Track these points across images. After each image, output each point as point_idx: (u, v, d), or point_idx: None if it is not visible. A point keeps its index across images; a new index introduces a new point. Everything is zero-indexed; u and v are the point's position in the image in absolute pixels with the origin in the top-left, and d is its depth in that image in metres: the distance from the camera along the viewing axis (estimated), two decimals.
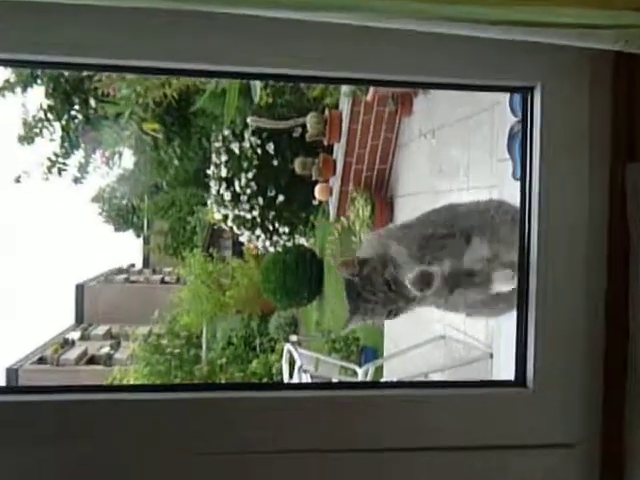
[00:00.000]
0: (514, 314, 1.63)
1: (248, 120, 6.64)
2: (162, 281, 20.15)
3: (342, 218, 5.99)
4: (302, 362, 4.05)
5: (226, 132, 7.44)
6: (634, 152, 1.46)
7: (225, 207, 7.83)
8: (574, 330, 1.48)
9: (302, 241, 8.53)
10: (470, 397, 1.44)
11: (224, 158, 7.55)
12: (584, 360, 1.46)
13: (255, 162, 7.38)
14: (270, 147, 7.28)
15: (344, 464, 1.34)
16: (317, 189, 6.32)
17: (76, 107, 7.51)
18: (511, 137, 2.01)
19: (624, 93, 1.48)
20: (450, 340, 3.93)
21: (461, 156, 3.96)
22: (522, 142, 1.59)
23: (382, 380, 4.45)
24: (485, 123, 3.45)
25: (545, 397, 1.45)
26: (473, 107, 3.73)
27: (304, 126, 6.16)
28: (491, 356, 3.27)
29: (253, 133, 7.24)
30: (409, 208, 5.28)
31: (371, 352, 6.27)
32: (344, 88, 4.88)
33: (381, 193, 5.82)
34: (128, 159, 10.76)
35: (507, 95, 2.19)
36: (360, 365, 4.37)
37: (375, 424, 1.34)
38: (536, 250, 1.50)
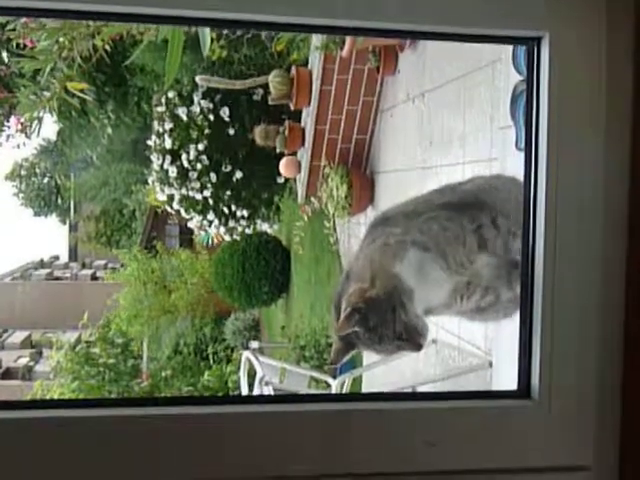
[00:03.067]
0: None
1: (197, 79, 6.59)
2: (93, 277, 20.03)
3: (312, 199, 5.98)
4: (264, 373, 4.04)
5: (171, 94, 7.38)
6: None
7: (170, 186, 7.77)
8: (587, 332, 1.50)
9: (264, 227, 8.50)
10: (465, 410, 1.45)
11: (168, 126, 7.49)
12: (599, 368, 1.49)
13: (206, 131, 7.34)
14: (225, 112, 7.23)
15: None
16: (282, 164, 6.30)
17: None
18: (514, 100, 2.02)
19: None
20: (443, 345, 3.96)
21: (455, 124, 3.97)
22: (527, 105, 1.60)
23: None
24: (484, 84, 3.46)
25: (553, 411, 1.47)
26: (470, 65, 3.75)
27: (266, 87, 6.13)
28: (491, 364, 3.31)
29: (204, 96, 7.18)
30: (393, 187, 5.29)
31: (348, 362, 6.29)
32: (315, 40, 4.86)
33: (359, 169, 5.82)
34: (50, 127, 10.63)
35: (510, 49, 2.20)
36: (334, 376, 4.38)
37: (350, 444, 1.35)
38: (543, 234, 1.51)
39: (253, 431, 1.31)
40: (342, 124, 5.68)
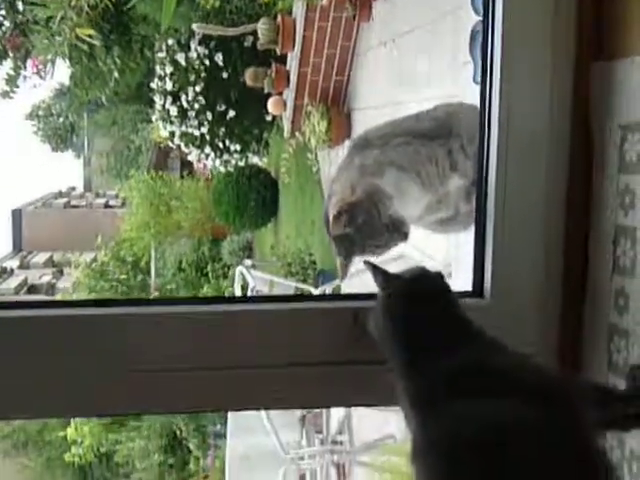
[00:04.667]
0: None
1: (194, 27, 6.45)
2: (106, 205, 19.90)
3: (297, 134, 5.93)
4: (255, 284, 4.08)
5: (170, 41, 7.23)
6: (600, 51, 1.46)
7: (171, 123, 7.68)
8: (533, 239, 1.51)
9: (255, 160, 8.45)
10: None
11: (169, 70, 7.36)
12: (543, 270, 1.50)
13: (203, 74, 7.22)
14: (219, 57, 7.11)
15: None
16: (270, 102, 6.23)
17: (1, 12, 7.21)
18: (473, 38, 2.00)
19: None
20: (409, 260, 3.98)
21: (422, 65, 3.93)
22: (483, 41, 1.58)
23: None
24: (448, 28, 3.42)
25: (502, 308, 1.49)
26: (436, 11, 3.69)
27: (255, 34, 6.01)
28: (450, 275, 3.34)
29: (200, 42, 7.05)
30: (368, 122, 5.25)
31: (329, 276, 6.33)
32: None
33: (338, 106, 5.77)
34: (64, 72, 10.43)
35: None
36: (316, 286, 4.42)
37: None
38: (495, 156, 1.51)
39: (235, 325, 1.34)
40: (322, 66, 5.60)
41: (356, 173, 1.66)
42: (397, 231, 1.66)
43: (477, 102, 1.75)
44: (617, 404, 1.28)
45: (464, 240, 2.03)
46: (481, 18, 1.85)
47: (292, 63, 5.76)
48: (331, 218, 1.62)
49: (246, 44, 6.87)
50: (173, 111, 7.52)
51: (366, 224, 1.62)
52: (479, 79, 1.79)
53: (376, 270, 1.20)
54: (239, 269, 4.63)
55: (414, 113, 1.79)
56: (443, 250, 3.25)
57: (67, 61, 8.22)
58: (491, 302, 1.51)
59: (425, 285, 1.18)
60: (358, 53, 5.49)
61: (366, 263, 1.21)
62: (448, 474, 0.96)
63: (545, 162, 1.52)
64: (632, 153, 1.38)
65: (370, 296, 1.37)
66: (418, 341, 1.11)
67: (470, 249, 1.62)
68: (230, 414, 4.35)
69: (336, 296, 1.39)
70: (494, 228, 1.52)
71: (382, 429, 4.03)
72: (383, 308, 1.17)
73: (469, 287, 1.56)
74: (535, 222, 1.52)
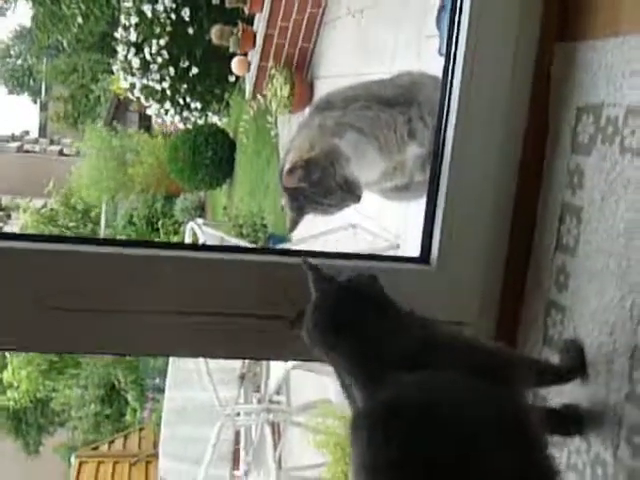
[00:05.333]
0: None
1: None
2: (60, 152, 19.42)
3: (259, 97, 5.87)
4: (205, 240, 4.05)
5: None
6: (565, 32, 1.47)
7: (133, 75, 7.53)
8: (482, 212, 1.52)
9: (215, 120, 8.35)
10: (369, 271, 1.46)
11: (134, 20, 7.19)
12: (489, 242, 1.52)
13: (168, 28, 7.08)
14: (185, 12, 6.97)
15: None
16: (234, 62, 6.15)
17: None
18: (440, 10, 1.99)
19: None
20: (361, 229, 3.99)
21: (388, 37, 3.90)
22: (450, 14, 1.57)
23: None
24: (416, 1, 3.41)
25: (446, 276, 1.51)
26: None
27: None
28: (398, 246, 3.37)
29: None
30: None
31: (279, 239, 6.33)
32: None
33: (302, 73, 5.72)
34: (25, 13, 10.11)
35: None
36: None
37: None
38: (453, 128, 1.52)
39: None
40: (289, 31, 5.54)
41: (316, 132, 1.65)
42: (350, 192, 1.66)
43: (440, 75, 1.75)
44: (551, 377, 1.31)
45: (415, 211, 2.03)
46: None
47: (259, 24, 5.67)
48: (286, 171, 1.61)
49: (214, 1, 6.75)
50: (135, 63, 7.36)
51: (320, 181, 1.62)
52: (444, 51, 1.79)
53: (313, 271, 1.22)
54: (190, 225, 4.58)
55: (377, 79, 1.78)
56: (394, 221, 3.26)
57: (30, 2, 7.94)
58: (436, 269, 1.52)
59: (355, 291, 1.18)
60: (326, 21, 5.44)
61: (305, 262, 1.22)
62: (384, 438, 0.99)
63: (501, 137, 1.53)
64: (585, 135, 1.40)
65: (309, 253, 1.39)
66: (350, 345, 1.13)
67: (420, 220, 1.63)
68: (171, 367, 4.34)
69: (272, 251, 1.41)
70: (446, 198, 1.53)
71: (319, 392, 4.07)
72: (312, 318, 1.18)
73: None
74: (486, 196, 1.53)
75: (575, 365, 1.32)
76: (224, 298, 1.42)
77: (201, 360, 3.71)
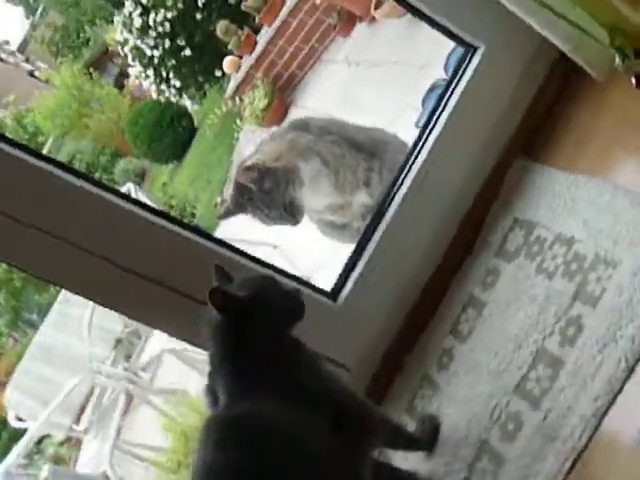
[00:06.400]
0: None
1: None
2: (31, 73, 18.73)
3: (237, 98, 5.84)
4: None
5: None
6: (529, 149, 1.53)
7: (130, 32, 7.37)
8: (400, 276, 1.55)
9: (187, 103, 8.24)
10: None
11: None
12: (395, 305, 1.55)
13: (180, 5, 6.99)
14: None
15: None
16: (227, 60, 6.10)
17: None
18: (430, 90, 2.05)
19: (548, 94, 1.54)
20: (281, 253, 3.98)
21: (373, 96, 3.97)
22: (442, 93, 1.62)
23: None
24: (412, 74, 3.48)
25: (347, 318, 1.52)
26: (409, 56, 3.74)
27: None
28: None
29: None
30: None
31: None
32: None
33: (283, 95, 5.73)
34: None
35: (443, 55, 2.21)
36: None
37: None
38: (402, 196, 1.56)
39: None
40: (287, 54, 5.56)
41: (286, 146, 1.66)
42: (292, 214, 1.67)
43: (410, 143, 1.79)
44: (401, 442, 1.33)
45: (338, 252, 2.04)
46: (446, 78, 1.90)
47: (263, 36, 5.68)
48: (244, 166, 1.61)
49: (231, 1, 6.71)
50: (137, 23, 7.22)
51: (269, 192, 1.63)
52: (421, 124, 1.83)
53: (221, 277, 1.20)
54: (128, 185, 4.49)
55: (355, 124, 1.81)
56: (315, 255, 3.27)
57: None
58: (339, 310, 1.54)
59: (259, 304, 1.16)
60: (323, 59, 5.48)
61: (217, 266, 1.20)
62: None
63: (440, 218, 1.57)
64: (513, 244, 1.45)
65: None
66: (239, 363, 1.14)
67: (338, 263, 1.65)
68: (57, 305, 4.20)
69: (196, 230, 1.40)
70: (373, 251, 1.56)
71: (182, 382, 3.99)
72: (212, 328, 1.17)
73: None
74: (409, 264, 1.56)
75: (427, 439, 1.35)
76: (143, 258, 1.40)
77: (88, 311, 3.61)
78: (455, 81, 1.59)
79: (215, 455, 1.08)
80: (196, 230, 1.47)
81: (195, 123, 8.72)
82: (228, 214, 1.69)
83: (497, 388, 1.29)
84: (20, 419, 4.18)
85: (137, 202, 1.46)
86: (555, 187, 1.42)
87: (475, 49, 1.55)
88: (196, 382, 3.76)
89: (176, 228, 1.44)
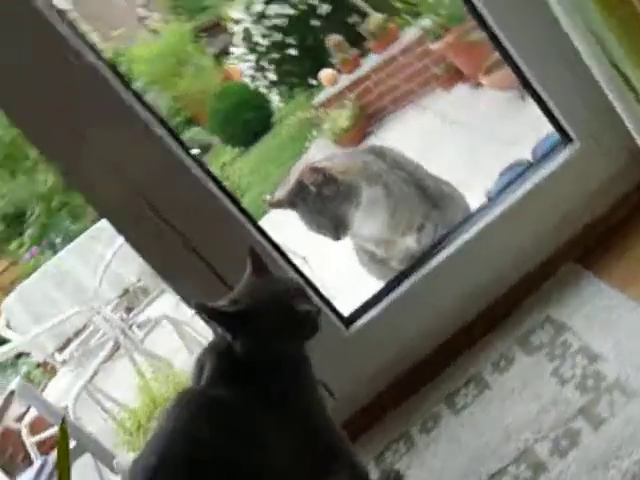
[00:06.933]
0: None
1: None
2: (140, 18, 19.10)
3: (322, 109, 5.88)
4: None
5: None
6: (584, 255, 1.50)
7: (247, 14, 7.51)
8: (421, 327, 1.53)
9: (274, 98, 8.33)
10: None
11: None
12: (400, 348, 1.52)
13: (302, 6, 7.10)
14: (323, 8, 7.00)
15: None
16: (326, 72, 6.12)
17: None
18: (510, 167, 2.04)
19: (623, 210, 1.52)
20: (309, 266, 3.94)
21: (451, 154, 3.94)
22: (521, 173, 1.60)
23: None
24: (493, 148, 3.47)
25: (355, 347, 1.51)
26: (496, 129, 3.74)
27: (365, 16, 5.93)
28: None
29: None
30: None
31: None
32: (425, 21, 4.70)
33: (367, 122, 5.72)
34: None
35: (533, 139, 2.20)
36: None
37: None
38: (449, 252, 1.54)
39: None
40: (385, 87, 5.58)
41: (358, 166, 1.66)
42: (338, 229, 1.67)
43: (474, 209, 1.78)
44: None
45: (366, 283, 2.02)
46: (530, 161, 1.88)
47: (368, 62, 5.71)
48: (312, 166, 1.62)
49: (352, 20, 6.78)
50: (257, 7, 7.36)
51: (325, 200, 1.63)
52: (490, 196, 1.82)
53: (254, 261, 1.16)
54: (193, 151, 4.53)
55: (430, 171, 1.81)
56: (339, 277, 3.24)
57: None
58: (349, 338, 1.52)
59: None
60: (416, 103, 5.48)
61: (251, 250, 1.16)
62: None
63: (474, 289, 1.54)
64: (537, 339, 1.43)
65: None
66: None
67: (360, 292, 1.63)
68: (82, 238, 4.23)
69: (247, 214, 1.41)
70: (401, 297, 1.54)
71: (171, 352, 3.97)
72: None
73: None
74: (427, 323, 1.54)
75: None
76: (189, 221, 1.40)
77: (110, 252, 3.64)
78: (539, 166, 1.58)
79: (174, 424, 1.09)
80: (246, 213, 1.47)
81: (273, 119, 8.81)
82: (279, 205, 1.70)
83: (473, 471, 1.26)
84: (9, 327, 4.20)
85: (205, 169, 1.47)
86: (598, 300, 1.39)
87: (571, 142, 1.53)
88: (182, 358, 3.76)
89: (230, 205, 1.44)
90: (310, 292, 1.50)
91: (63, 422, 1.48)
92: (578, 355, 1.31)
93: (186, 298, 1.46)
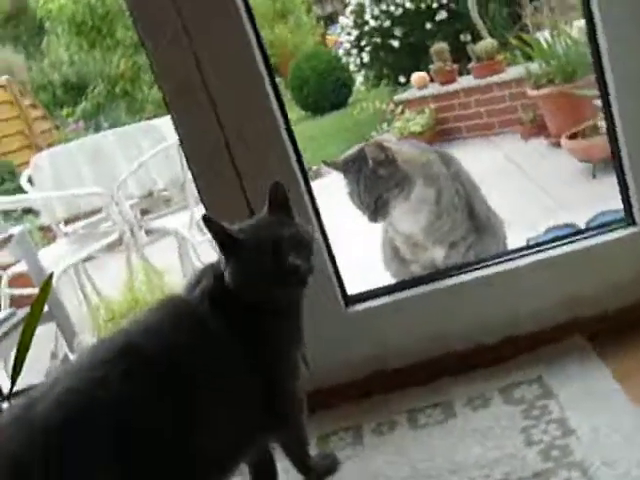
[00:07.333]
0: None
1: None
2: None
3: (400, 108, 5.83)
4: None
5: None
6: (602, 339, 1.46)
7: None
8: (417, 337, 1.50)
9: (359, 79, 8.28)
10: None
11: None
12: (399, 352, 1.50)
13: (422, 5, 7.03)
14: (441, 14, 6.93)
15: None
16: (419, 75, 6.03)
17: None
18: (559, 227, 2.02)
19: None
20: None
21: (506, 195, 3.87)
22: (571, 234, 1.57)
23: None
24: (549, 204, 3.42)
25: (346, 328, 1.48)
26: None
27: (478, 38, 5.85)
28: None
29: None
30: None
31: None
32: (534, 65, 4.61)
33: (436, 136, 5.66)
34: None
35: (589, 212, 2.17)
36: None
37: None
38: (469, 278, 1.51)
39: None
40: (468, 111, 5.53)
41: (422, 161, 1.65)
42: (377, 212, 1.66)
43: (509, 248, 1.74)
44: (297, 456, 1.28)
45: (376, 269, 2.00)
46: (581, 228, 1.85)
47: (463, 82, 5.65)
48: (378, 141, 1.60)
49: (465, 38, 6.69)
50: None
51: (378, 178, 1.61)
52: (530, 244, 1.78)
53: (276, 197, 1.16)
54: None
55: (484, 196, 1.78)
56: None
57: None
58: (347, 316, 1.50)
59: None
60: (490, 138, 5.41)
61: (277, 184, 1.15)
62: None
63: (480, 324, 1.51)
64: (521, 392, 1.39)
65: None
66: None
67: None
68: (131, 129, 4.24)
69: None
70: (407, 299, 1.51)
71: (167, 271, 3.93)
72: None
73: None
74: (423, 334, 1.51)
75: (317, 473, 1.30)
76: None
77: (152, 151, 3.65)
78: (591, 233, 1.54)
79: (152, 320, 1.10)
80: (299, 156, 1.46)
81: (350, 99, 8.77)
82: (334, 166, 1.68)
83: None
84: (30, 182, 4.22)
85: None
86: (593, 382, 1.35)
87: (633, 225, 1.50)
88: (174, 278, 3.73)
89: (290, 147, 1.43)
90: (325, 255, 1.48)
91: (49, 280, 1.48)
92: (553, 424, 1.28)
93: (208, 210, 1.44)
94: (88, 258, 3.91)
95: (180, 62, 1.36)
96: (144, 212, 4.48)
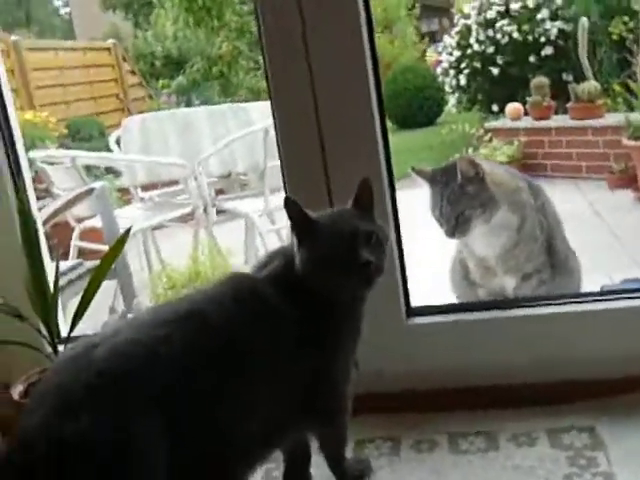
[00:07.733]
0: None
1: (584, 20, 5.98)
2: None
3: (489, 136, 5.75)
4: None
5: None
6: None
7: (478, 15, 7.41)
8: (473, 360, 1.47)
9: (451, 101, 8.20)
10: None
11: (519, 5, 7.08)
12: (449, 374, 1.47)
13: (528, 37, 6.92)
14: (546, 50, 6.81)
15: None
16: (514, 106, 5.93)
17: None
18: (633, 281, 1.95)
19: None
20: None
21: (585, 243, 3.77)
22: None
23: None
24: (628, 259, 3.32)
25: (403, 339, 1.46)
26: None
27: (582, 79, 5.71)
28: None
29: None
30: None
31: None
32: (634, 115, 4.49)
33: (520, 164, 5.55)
34: None
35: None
36: None
37: None
38: (536, 312, 1.46)
39: None
40: (558, 151, 5.41)
41: (511, 186, 1.63)
42: (456, 228, 1.63)
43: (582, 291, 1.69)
44: (332, 455, 1.27)
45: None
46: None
47: (558, 120, 5.53)
48: (471, 158, 1.59)
49: (565, 76, 6.56)
50: (488, 14, 7.27)
51: (463, 194, 1.59)
52: (603, 290, 1.73)
53: (363, 192, 1.14)
54: None
55: (566, 236, 1.75)
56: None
57: None
58: (406, 328, 1.48)
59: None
60: (575, 181, 5.27)
61: (365, 180, 1.13)
62: None
63: (531, 361, 1.46)
64: (568, 439, 1.34)
65: None
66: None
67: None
68: (222, 108, 4.30)
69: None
70: (470, 323, 1.48)
71: (230, 254, 3.97)
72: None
73: None
74: (478, 360, 1.48)
75: (349, 474, 1.29)
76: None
77: (242, 132, 3.70)
78: None
79: (214, 293, 1.10)
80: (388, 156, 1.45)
81: (438, 119, 8.70)
82: (422, 174, 1.67)
83: None
84: (118, 143, 4.33)
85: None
86: None
87: None
88: (236, 261, 3.76)
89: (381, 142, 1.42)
90: (396, 261, 1.46)
91: (126, 236, 1.51)
92: (599, 477, 1.23)
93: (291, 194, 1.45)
94: (158, 226, 3.99)
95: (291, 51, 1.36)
96: (218, 192, 4.54)
